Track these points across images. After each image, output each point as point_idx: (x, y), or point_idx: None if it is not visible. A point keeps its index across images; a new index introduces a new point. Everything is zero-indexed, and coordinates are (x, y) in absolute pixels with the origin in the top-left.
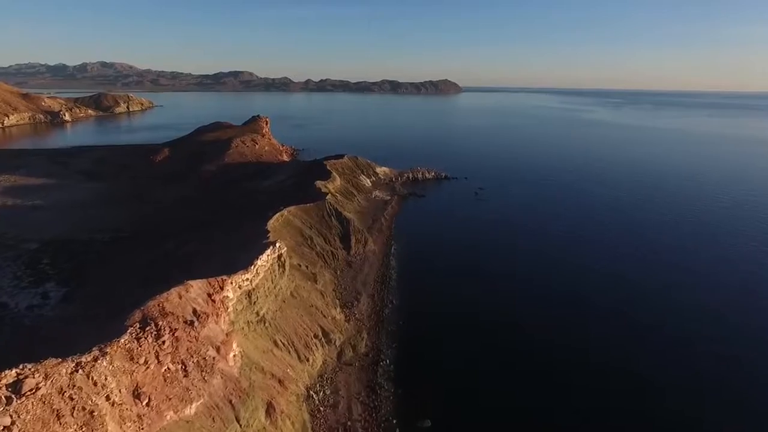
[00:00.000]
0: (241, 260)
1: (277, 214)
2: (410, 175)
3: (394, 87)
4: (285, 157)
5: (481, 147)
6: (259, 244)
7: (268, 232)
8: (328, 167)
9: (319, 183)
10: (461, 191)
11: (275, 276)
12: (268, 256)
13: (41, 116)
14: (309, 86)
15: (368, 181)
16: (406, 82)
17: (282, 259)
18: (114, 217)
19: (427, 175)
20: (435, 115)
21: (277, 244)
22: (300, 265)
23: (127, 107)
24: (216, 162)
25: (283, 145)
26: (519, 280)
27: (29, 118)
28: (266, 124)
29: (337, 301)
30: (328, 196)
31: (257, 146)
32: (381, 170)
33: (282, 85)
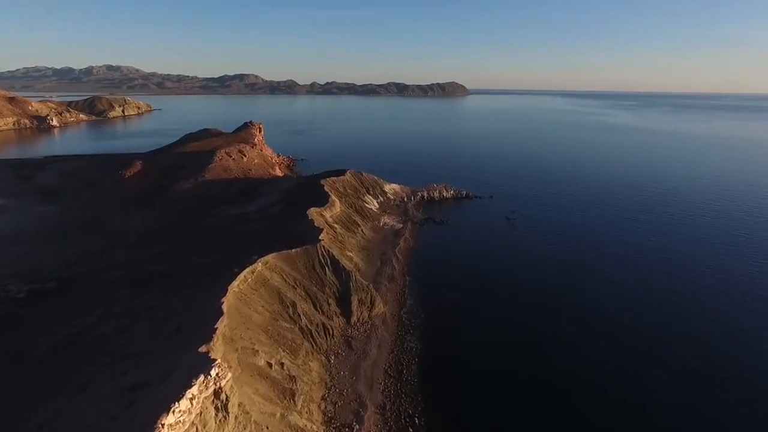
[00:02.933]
0: (158, 392)
1: (247, 271)
2: (425, 194)
3: (400, 89)
4: (278, 171)
5: (501, 157)
6: (195, 351)
7: (222, 313)
8: (325, 188)
9: (313, 211)
10: (489, 215)
11: None
12: (192, 399)
13: (27, 121)
14: (314, 89)
15: (375, 202)
16: (413, 84)
17: (223, 396)
18: (50, 257)
19: (445, 193)
20: (445, 119)
21: (214, 372)
22: (271, 365)
23: (123, 111)
24: (194, 179)
25: (278, 155)
26: (603, 367)
27: (14, 123)
28: (259, 131)
29: None
30: (323, 234)
31: (245, 159)
32: (390, 188)
33: (287, 88)
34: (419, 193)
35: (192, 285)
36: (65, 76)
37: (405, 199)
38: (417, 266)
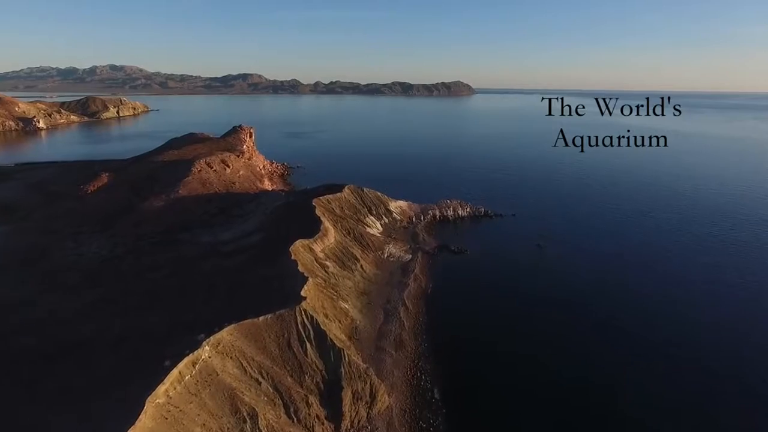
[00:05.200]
0: None
1: (185, 363)
2: (437, 213)
3: (405, 89)
4: (267, 184)
5: (518, 164)
6: None
7: None
8: (317, 211)
9: (298, 246)
10: (515, 240)
11: None
12: None
13: (12, 123)
14: (318, 88)
15: (378, 225)
16: (418, 83)
17: None
18: None
19: (460, 211)
20: (452, 120)
21: None
22: None
23: (117, 112)
24: (167, 195)
25: (272, 162)
26: None
27: None
28: (250, 136)
29: None
30: (307, 287)
31: (228, 170)
32: (396, 206)
33: (290, 88)
34: (430, 212)
35: (108, 377)
36: (69, 76)
37: (413, 219)
38: (433, 319)
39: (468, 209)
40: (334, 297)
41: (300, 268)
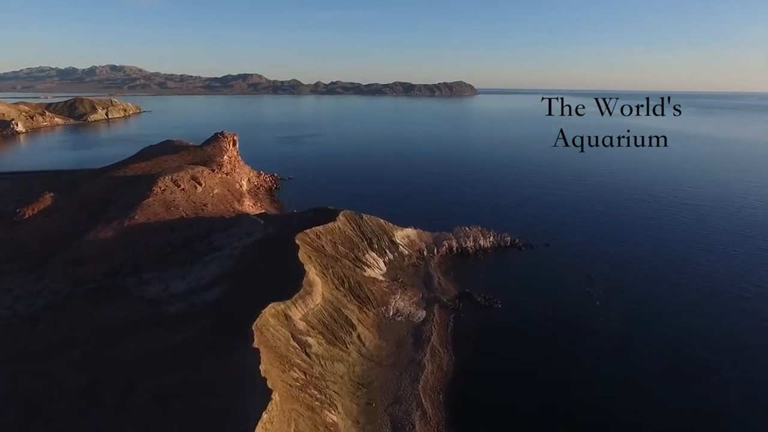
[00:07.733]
0: None
1: None
2: (453, 245)
3: (406, 89)
4: (246, 204)
5: (534, 174)
6: None
7: None
8: (301, 254)
9: (268, 315)
10: (557, 285)
11: None
12: None
13: None
14: (318, 89)
15: (381, 263)
16: (420, 83)
17: None
18: None
19: (481, 242)
20: (456, 122)
21: None
22: None
23: (106, 114)
24: (119, 221)
25: (259, 174)
26: None
27: None
28: (233, 144)
29: None
30: (267, 419)
31: (199, 189)
32: (403, 236)
33: (291, 88)
34: (445, 242)
35: None
36: (68, 77)
37: (425, 253)
38: None
39: (491, 239)
40: (318, 404)
41: (262, 369)
